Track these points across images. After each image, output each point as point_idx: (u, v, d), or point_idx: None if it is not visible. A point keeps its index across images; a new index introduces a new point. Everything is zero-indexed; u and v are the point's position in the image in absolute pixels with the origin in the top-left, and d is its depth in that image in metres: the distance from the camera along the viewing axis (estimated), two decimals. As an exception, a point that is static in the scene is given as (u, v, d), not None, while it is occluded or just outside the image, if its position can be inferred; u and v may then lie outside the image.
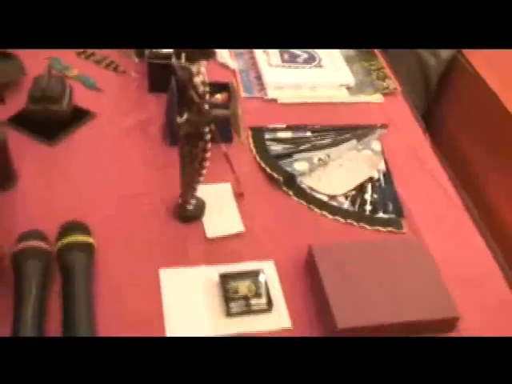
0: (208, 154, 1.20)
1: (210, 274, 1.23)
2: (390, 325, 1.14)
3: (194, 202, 1.30)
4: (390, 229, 1.38)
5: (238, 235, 1.32)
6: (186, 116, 1.15)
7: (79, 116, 1.48)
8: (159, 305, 1.17)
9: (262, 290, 1.19)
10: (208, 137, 1.17)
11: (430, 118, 2.15)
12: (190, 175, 1.26)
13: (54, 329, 1.06)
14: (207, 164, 1.23)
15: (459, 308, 1.17)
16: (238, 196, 1.39)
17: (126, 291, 1.18)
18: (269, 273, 1.25)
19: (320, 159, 1.51)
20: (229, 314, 1.16)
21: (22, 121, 1.42)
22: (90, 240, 1.17)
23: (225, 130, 1.42)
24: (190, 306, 1.17)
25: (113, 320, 1.12)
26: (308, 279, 1.25)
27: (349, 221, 1.39)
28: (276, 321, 1.17)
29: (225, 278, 1.21)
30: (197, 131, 1.17)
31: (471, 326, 1.17)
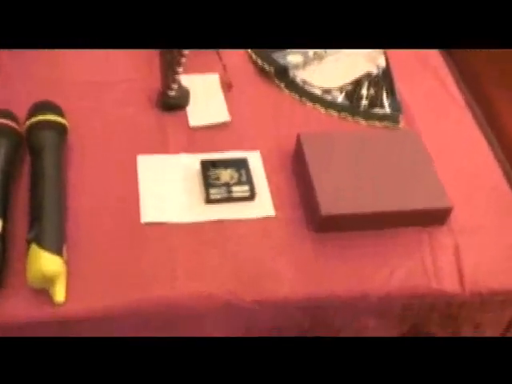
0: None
1: (191, 162, 1.17)
2: (378, 214, 1.07)
3: (175, 87, 1.22)
4: (385, 123, 1.30)
5: (223, 125, 1.24)
6: None
7: None
8: (136, 191, 1.11)
9: (245, 178, 1.13)
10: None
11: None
12: (170, 63, 1.18)
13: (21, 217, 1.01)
14: (186, 52, 1.15)
15: (452, 200, 1.10)
16: (226, 87, 1.31)
17: (101, 177, 1.12)
18: (254, 163, 1.18)
19: (315, 53, 1.41)
20: (209, 200, 1.10)
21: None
22: (62, 120, 1.10)
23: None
24: (167, 192, 1.11)
25: (86, 206, 1.07)
26: (295, 171, 1.18)
27: (342, 115, 1.31)
28: (258, 209, 1.11)
29: (206, 165, 1.14)
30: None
31: (462, 218, 1.11)
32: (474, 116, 1.35)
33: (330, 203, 1.06)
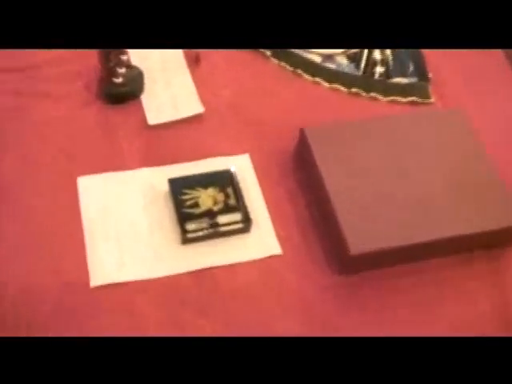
0: None
1: (155, 179, 0.82)
2: (423, 244, 0.76)
3: (122, 72, 0.86)
4: (412, 99, 0.97)
5: (194, 120, 0.90)
6: None
7: None
8: (79, 235, 0.77)
9: (234, 201, 0.80)
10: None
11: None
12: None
13: None
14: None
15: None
16: (193, 62, 0.95)
17: (26, 217, 0.78)
18: (243, 173, 0.84)
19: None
20: (186, 239, 0.77)
21: None
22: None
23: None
24: (124, 234, 0.78)
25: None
26: (299, 177, 0.85)
27: (354, 90, 0.97)
28: (257, 246, 0.79)
29: (177, 184, 0.80)
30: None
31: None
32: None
33: (360, 237, 0.74)
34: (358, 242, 0.73)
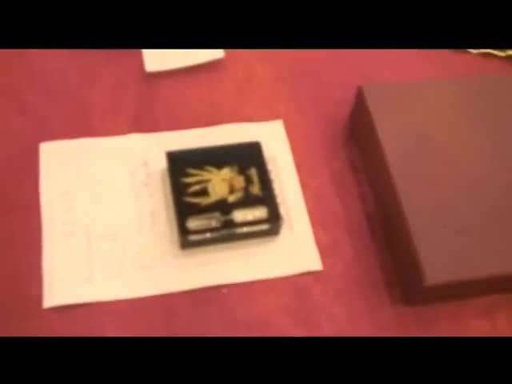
0: None
1: (147, 150, 0.59)
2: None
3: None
4: (512, 53, 0.70)
5: (209, 69, 0.64)
6: None
7: None
8: (33, 232, 0.54)
9: (260, 188, 0.55)
10: None
11: None
12: None
13: None
14: None
15: None
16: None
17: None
18: (273, 146, 0.60)
19: None
20: (186, 242, 0.53)
21: None
22: None
23: None
24: (96, 225, 0.54)
25: None
26: (352, 156, 0.61)
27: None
28: (290, 256, 0.54)
29: (178, 161, 0.56)
30: None
31: None
32: None
33: (441, 262, 0.49)
34: (437, 268, 0.49)
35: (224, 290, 0.52)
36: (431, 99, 0.59)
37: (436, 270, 0.48)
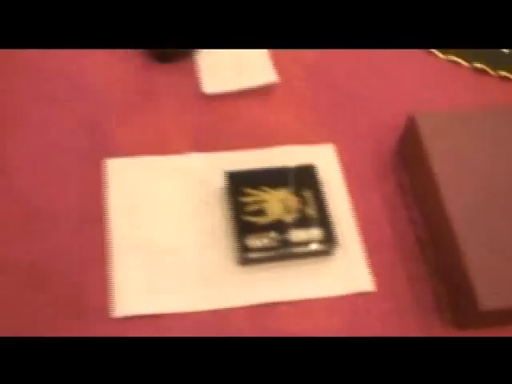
0: None
1: (206, 170, 0.61)
2: None
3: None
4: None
5: (264, 92, 0.67)
6: None
7: None
8: (100, 244, 0.56)
9: (315, 210, 0.57)
10: None
11: None
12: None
13: None
14: None
15: None
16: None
17: (44, 202, 0.57)
18: (325, 169, 0.62)
19: None
20: (244, 259, 0.56)
21: None
22: None
23: None
24: (158, 241, 0.56)
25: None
26: (402, 179, 0.63)
27: (477, 65, 0.72)
28: (343, 276, 0.56)
29: (236, 181, 0.58)
30: None
31: None
32: None
33: (495, 286, 0.51)
34: (491, 294, 0.51)
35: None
36: (482, 127, 0.61)
37: (489, 295, 0.50)
